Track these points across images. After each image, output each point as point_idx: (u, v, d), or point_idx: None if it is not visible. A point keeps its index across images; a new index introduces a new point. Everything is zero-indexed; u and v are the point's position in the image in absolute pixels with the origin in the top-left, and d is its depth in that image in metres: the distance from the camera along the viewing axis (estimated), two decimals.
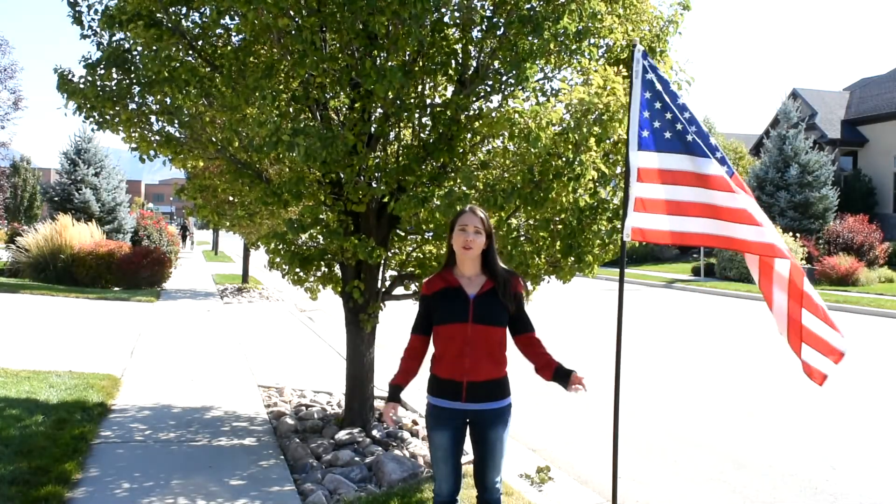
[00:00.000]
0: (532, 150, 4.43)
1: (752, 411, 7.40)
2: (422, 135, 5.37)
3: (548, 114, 4.50)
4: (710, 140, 4.21)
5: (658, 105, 4.21)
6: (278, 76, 5.02)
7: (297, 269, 5.67)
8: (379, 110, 5.17)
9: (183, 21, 5.30)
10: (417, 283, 5.81)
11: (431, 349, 3.50)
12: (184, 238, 42.26)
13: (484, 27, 4.88)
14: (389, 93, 4.63)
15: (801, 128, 28.08)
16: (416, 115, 5.15)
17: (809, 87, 41.37)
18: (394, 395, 3.46)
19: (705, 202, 4.13)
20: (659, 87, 4.22)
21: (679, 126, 4.17)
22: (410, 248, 6.17)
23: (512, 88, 4.97)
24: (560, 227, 4.98)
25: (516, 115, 4.51)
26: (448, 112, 4.96)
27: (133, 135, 5.68)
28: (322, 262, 5.74)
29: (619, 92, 4.63)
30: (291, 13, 4.71)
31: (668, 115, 4.19)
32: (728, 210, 4.07)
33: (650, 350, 10.81)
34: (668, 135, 4.18)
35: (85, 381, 7.17)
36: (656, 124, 4.21)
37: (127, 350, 9.34)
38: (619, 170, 5.07)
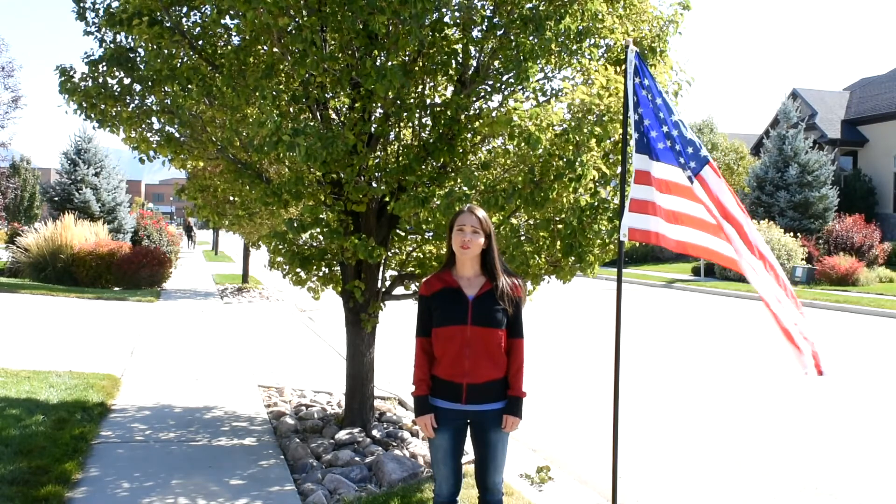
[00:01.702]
0: (532, 151, 4.43)
1: (751, 411, 7.40)
2: (422, 135, 5.36)
3: (548, 115, 4.50)
4: (687, 148, 4.21)
5: (648, 108, 4.25)
6: (278, 76, 5.02)
7: (298, 269, 5.67)
8: (379, 110, 5.17)
9: (183, 20, 5.30)
10: (417, 283, 5.81)
11: None
12: (189, 237, 42.29)
13: (484, 27, 4.88)
14: (390, 92, 4.62)
15: (800, 128, 28.08)
16: (417, 115, 5.14)
17: (809, 87, 41.38)
18: (425, 407, 3.42)
19: (684, 211, 4.20)
20: (644, 93, 4.25)
21: (654, 133, 4.23)
22: (410, 248, 6.18)
23: (512, 88, 4.96)
24: (560, 226, 4.97)
25: (516, 117, 4.51)
26: (448, 112, 4.96)
27: (133, 135, 5.68)
28: (322, 262, 5.74)
29: (622, 92, 4.63)
30: (291, 13, 4.71)
31: (648, 122, 4.24)
32: (699, 220, 4.17)
33: (650, 350, 10.80)
34: (656, 142, 4.24)
35: (85, 381, 7.17)
36: (647, 127, 4.25)
37: (127, 350, 9.34)
38: (619, 170, 5.07)
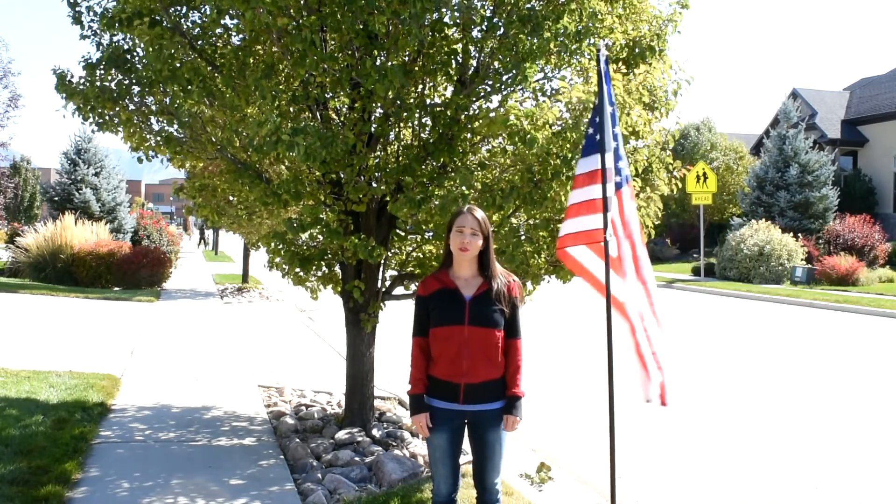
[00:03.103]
0: (528, 151, 4.44)
1: (751, 411, 7.40)
2: (422, 135, 5.37)
3: (543, 114, 4.50)
4: (619, 163, 4.12)
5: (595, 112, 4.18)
6: (278, 76, 5.02)
7: (297, 269, 5.67)
8: (379, 110, 5.17)
9: (183, 21, 5.30)
10: (417, 283, 5.80)
11: None
12: (202, 238, 42.31)
13: (484, 27, 4.88)
14: (389, 92, 4.62)
15: (801, 128, 28.07)
16: (417, 115, 5.15)
17: (809, 87, 41.36)
18: (420, 406, 3.42)
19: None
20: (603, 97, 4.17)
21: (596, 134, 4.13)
22: (410, 248, 6.18)
23: (512, 88, 4.96)
24: (560, 226, 4.98)
25: (512, 116, 4.51)
26: (448, 112, 4.96)
27: (132, 135, 5.68)
28: (322, 262, 5.74)
29: (620, 89, 4.63)
30: (291, 12, 4.71)
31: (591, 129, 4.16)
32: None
33: None
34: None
35: (85, 381, 7.17)
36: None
37: (127, 350, 9.34)
38: None
